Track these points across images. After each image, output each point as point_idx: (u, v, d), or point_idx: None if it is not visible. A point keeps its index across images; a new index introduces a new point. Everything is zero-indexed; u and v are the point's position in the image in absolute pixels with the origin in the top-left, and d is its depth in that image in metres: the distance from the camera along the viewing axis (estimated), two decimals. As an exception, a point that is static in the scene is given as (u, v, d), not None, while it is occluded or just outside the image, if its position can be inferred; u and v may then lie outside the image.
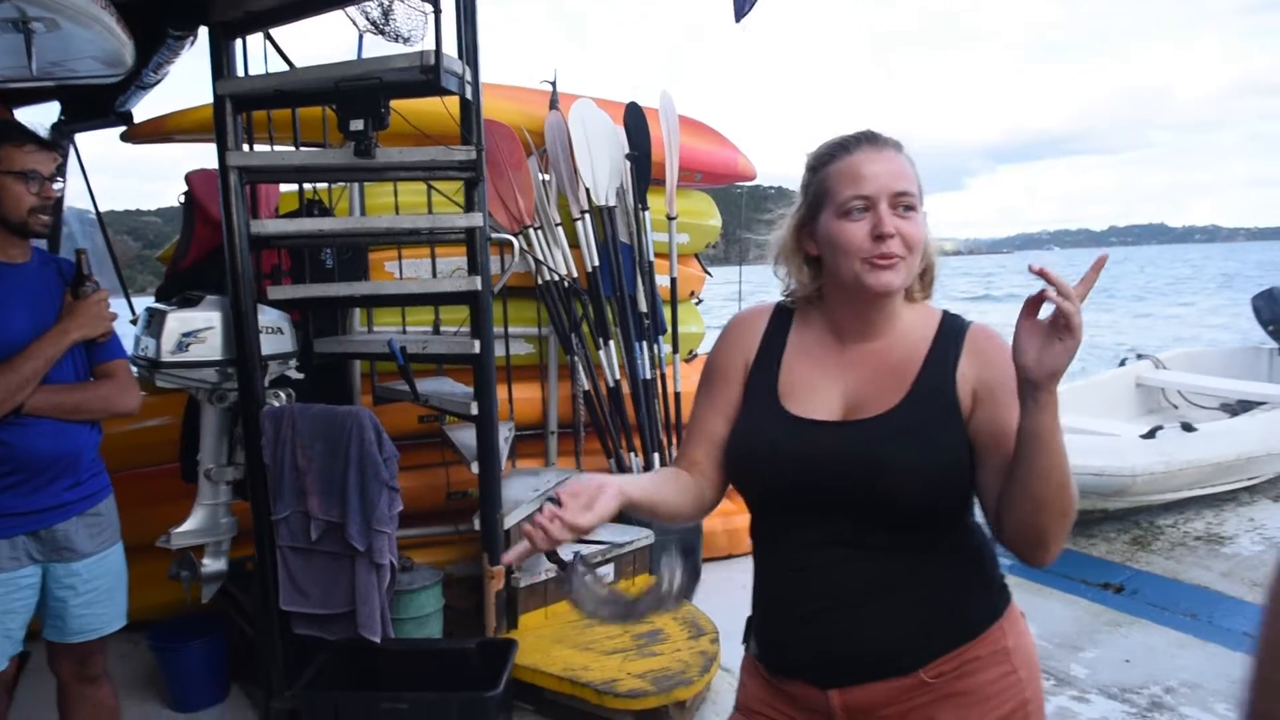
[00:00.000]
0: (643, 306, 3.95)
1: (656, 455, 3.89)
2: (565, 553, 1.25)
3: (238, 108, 2.63)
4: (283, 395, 2.74)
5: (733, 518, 4.04)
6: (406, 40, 2.63)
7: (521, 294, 3.79)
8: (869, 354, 1.30)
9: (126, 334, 2.78)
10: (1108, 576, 4.21)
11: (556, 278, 3.75)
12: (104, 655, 2.23)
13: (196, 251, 3.23)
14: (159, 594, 3.17)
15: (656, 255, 4.06)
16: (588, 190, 3.80)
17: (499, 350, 3.16)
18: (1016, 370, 1.11)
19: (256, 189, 3.02)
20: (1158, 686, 3.11)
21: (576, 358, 3.83)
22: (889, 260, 1.21)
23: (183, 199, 3.28)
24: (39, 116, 3.61)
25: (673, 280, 4.17)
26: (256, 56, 2.75)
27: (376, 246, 3.57)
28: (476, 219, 2.67)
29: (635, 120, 3.98)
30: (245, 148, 2.71)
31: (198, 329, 2.57)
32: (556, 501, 1.18)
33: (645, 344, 3.93)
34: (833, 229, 1.25)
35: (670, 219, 4.12)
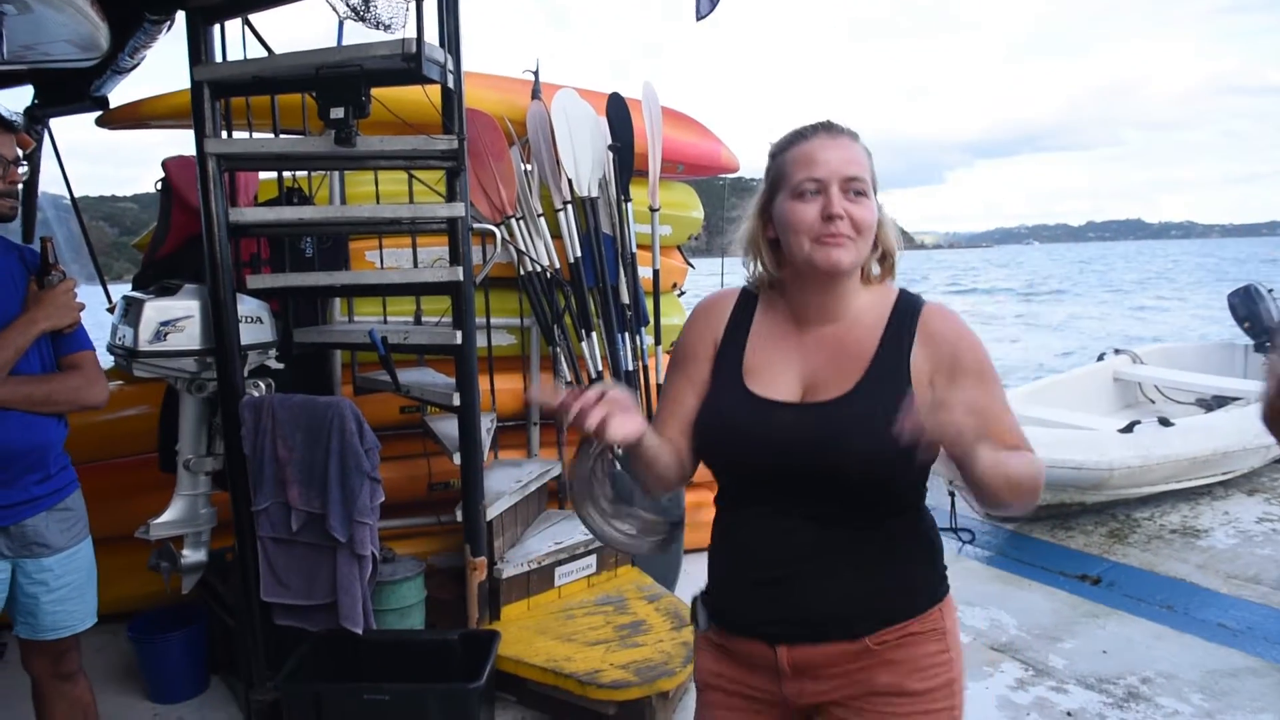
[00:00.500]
0: (625, 298, 3.93)
1: (639, 447, 3.88)
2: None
3: (216, 94, 2.59)
4: (262, 385, 2.70)
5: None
6: (387, 27, 2.59)
7: (503, 284, 3.77)
8: (827, 337, 1.36)
9: (103, 322, 2.75)
10: (1085, 568, 4.26)
11: (539, 268, 3.74)
12: (78, 651, 2.20)
13: (174, 239, 3.18)
14: (138, 585, 3.15)
15: (639, 247, 4.05)
16: (570, 181, 3.78)
17: (481, 341, 3.14)
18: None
19: (235, 176, 2.98)
20: (1134, 677, 3.15)
21: (559, 349, 3.82)
22: (836, 239, 1.28)
23: (160, 186, 3.24)
24: (12, 101, 3.56)
25: (655, 272, 4.16)
26: (235, 42, 2.71)
27: (357, 236, 3.53)
28: (458, 209, 2.65)
29: (618, 111, 3.96)
30: (224, 135, 2.68)
31: (176, 318, 2.54)
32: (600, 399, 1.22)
33: (628, 335, 3.92)
34: (786, 209, 1.32)
35: (653, 210, 4.11)
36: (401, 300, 3.48)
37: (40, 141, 3.71)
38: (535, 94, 3.88)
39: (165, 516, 2.68)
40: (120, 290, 3.06)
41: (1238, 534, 4.68)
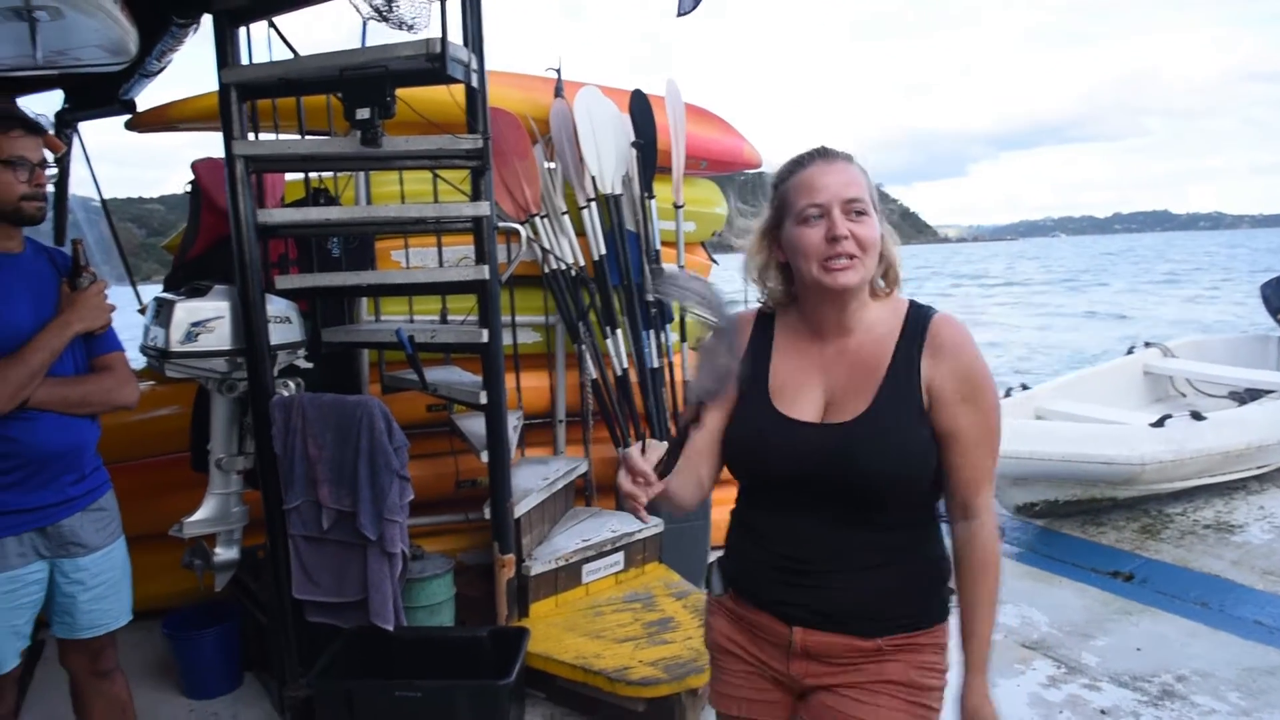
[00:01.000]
0: (650, 295, 3.93)
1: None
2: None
3: (243, 96, 2.61)
4: (292, 384, 2.73)
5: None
6: (410, 27, 2.60)
7: (528, 283, 3.78)
8: (844, 351, 1.44)
9: (134, 323, 2.78)
10: (1117, 565, 4.20)
11: (563, 266, 3.74)
12: (115, 649, 2.22)
13: (204, 240, 3.21)
14: (172, 583, 3.18)
15: (663, 243, 4.04)
16: (593, 178, 3.78)
17: (506, 339, 3.15)
18: None
19: (262, 178, 3.01)
20: (1169, 675, 3.11)
21: (584, 346, 3.82)
22: (843, 264, 1.36)
23: (189, 188, 3.27)
24: (42, 105, 3.60)
25: (680, 269, 4.15)
26: (260, 44, 2.73)
27: (383, 235, 3.55)
28: (483, 208, 2.66)
29: (641, 108, 3.95)
30: (250, 137, 2.70)
31: (206, 319, 2.56)
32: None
33: (652, 332, 3.92)
34: (794, 235, 1.40)
35: (677, 207, 4.10)
36: (427, 299, 3.50)
37: (70, 145, 3.76)
38: (558, 92, 3.88)
39: (198, 515, 2.72)
40: (149, 292, 3.10)
41: (1273, 529, 4.60)
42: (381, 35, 2.61)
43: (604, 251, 3.82)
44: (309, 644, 2.69)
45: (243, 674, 3.16)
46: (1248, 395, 6.20)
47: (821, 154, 1.43)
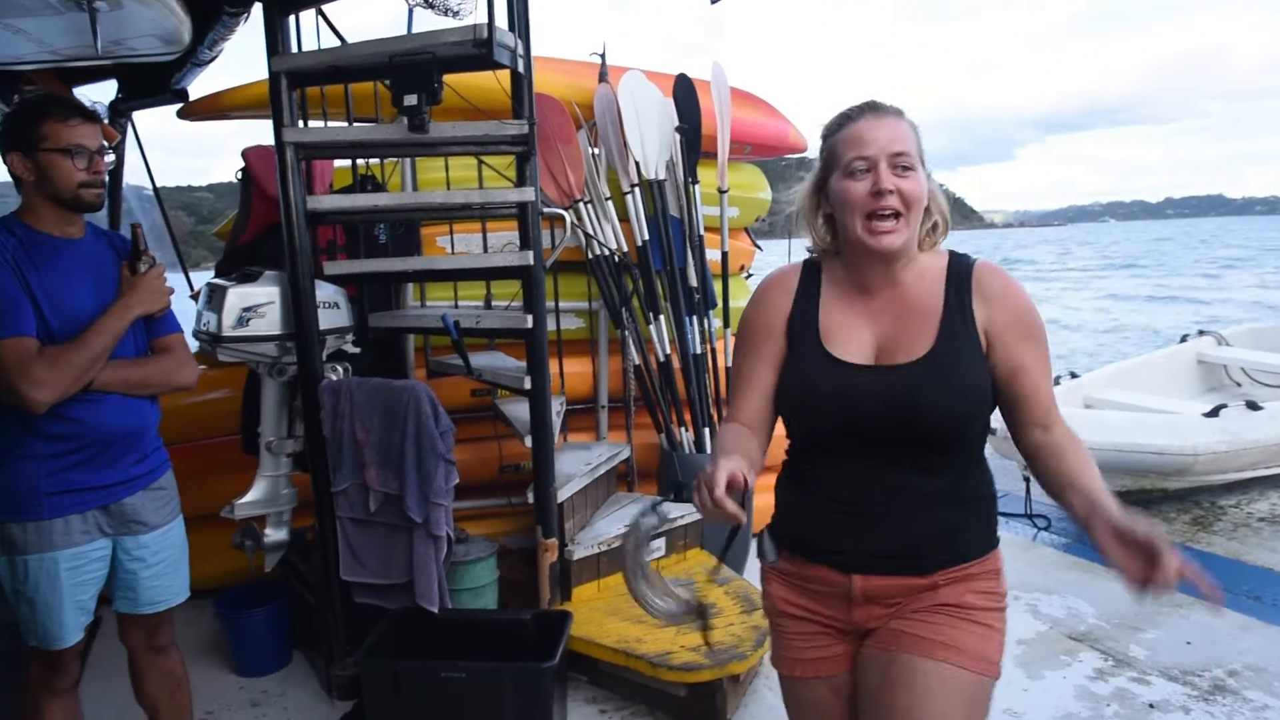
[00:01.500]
0: (693, 280, 3.92)
1: (707, 430, 3.88)
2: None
3: (293, 84, 2.64)
4: (340, 369, 2.77)
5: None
6: (456, 14, 2.61)
7: (572, 268, 3.79)
8: (893, 299, 1.46)
9: (187, 309, 2.84)
10: (1168, 556, 4.12)
11: (607, 252, 3.74)
12: (171, 625, 2.28)
13: (254, 227, 3.27)
14: (223, 563, 3.25)
15: (706, 229, 4.02)
16: (637, 164, 3.77)
17: (550, 325, 3.16)
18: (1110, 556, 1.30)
19: (311, 165, 3.05)
20: (1220, 669, 3.05)
21: (627, 332, 3.82)
22: (887, 226, 1.38)
23: (240, 175, 3.32)
24: (97, 95, 3.68)
25: (723, 254, 4.13)
26: (308, 32, 2.76)
27: (429, 222, 3.58)
28: (528, 194, 2.67)
29: (685, 92, 3.93)
30: (300, 124, 2.73)
31: (257, 304, 2.61)
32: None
33: (695, 318, 3.91)
34: (840, 188, 1.43)
35: (721, 192, 4.07)
36: (471, 285, 3.52)
37: (124, 134, 3.84)
38: (602, 77, 3.87)
39: (248, 497, 2.77)
40: (200, 278, 3.16)
41: (1331, 523, 4.49)
42: (427, 23, 2.63)
43: (647, 237, 3.82)
44: (356, 624, 2.74)
45: (291, 653, 3.23)
46: (1307, 385, 6.04)
47: (871, 108, 1.44)
